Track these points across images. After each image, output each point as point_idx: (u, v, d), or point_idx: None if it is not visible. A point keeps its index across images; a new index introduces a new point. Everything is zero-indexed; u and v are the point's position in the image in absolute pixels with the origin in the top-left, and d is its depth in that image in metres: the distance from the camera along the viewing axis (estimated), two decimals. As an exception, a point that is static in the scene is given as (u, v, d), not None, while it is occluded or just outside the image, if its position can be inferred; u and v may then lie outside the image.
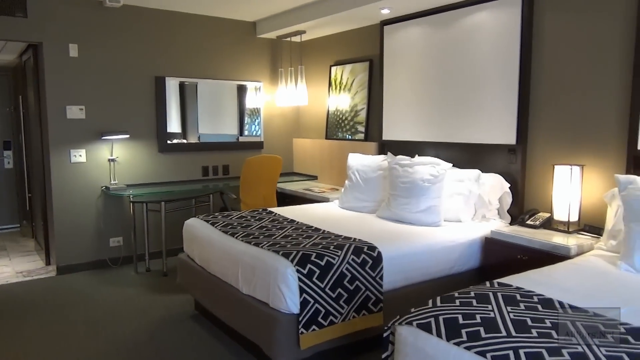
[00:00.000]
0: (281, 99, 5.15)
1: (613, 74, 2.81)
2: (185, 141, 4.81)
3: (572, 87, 3.01)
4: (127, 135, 4.34)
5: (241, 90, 5.14)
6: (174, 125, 4.73)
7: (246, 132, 5.24)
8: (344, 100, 4.84)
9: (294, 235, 2.86)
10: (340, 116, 4.89)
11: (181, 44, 4.67)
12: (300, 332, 2.32)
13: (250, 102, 5.20)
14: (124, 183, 4.40)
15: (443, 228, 3.12)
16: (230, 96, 5.11)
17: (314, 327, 2.36)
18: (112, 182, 4.31)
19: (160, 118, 4.59)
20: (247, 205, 4.24)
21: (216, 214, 3.45)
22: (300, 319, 2.32)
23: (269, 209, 3.65)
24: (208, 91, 4.93)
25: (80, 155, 4.22)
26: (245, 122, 5.22)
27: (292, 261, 2.37)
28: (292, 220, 3.24)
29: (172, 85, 4.66)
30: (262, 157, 4.44)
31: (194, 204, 4.63)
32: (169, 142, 4.66)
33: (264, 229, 3.01)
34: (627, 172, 2.72)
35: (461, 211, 3.24)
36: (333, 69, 4.95)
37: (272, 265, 2.40)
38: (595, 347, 1.45)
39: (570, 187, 2.89)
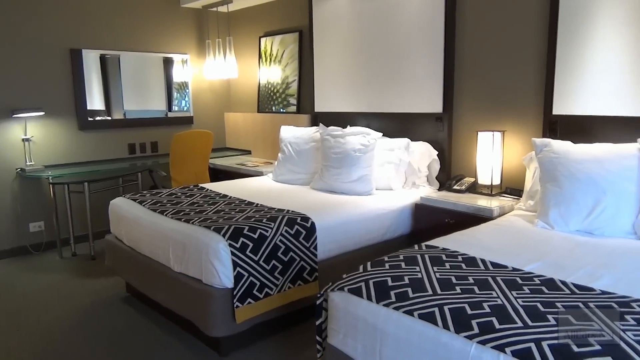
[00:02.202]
0: (210, 72, 4.98)
1: (530, 45, 2.94)
2: (109, 118, 4.55)
3: (494, 57, 3.12)
4: (42, 113, 4.03)
5: (167, 63, 4.91)
6: (96, 101, 4.45)
7: (175, 107, 5.04)
8: (275, 72, 4.76)
9: (226, 210, 2.80)
10: (272, 89, 4.81)
11: (98, 14, 4.37)
12: (235, 306, 2.30)
13: (177, 76, 4.99)
14: (41, 164, 4.11)
15: (375, 196, 3.17)
16: (156, 69, 4.87)
17: (249, 300, 2.35)
18: (28, 163, 4.01)
19: (78, 93, 4.30)
20: (178, 182, 4.11)
21: (144, 192, 3.31)
22: (234, 293, 2.30)
23: (201, 184, 3.55)
24: (132, 64, 4.67)
25: (-11, 136, 3.89)
26: (174, 96, 5.02)
27: (223, 236, 2.32)
28: (225, 195, 3.18)
29: (91, 58, 4.37)
30: (191, 132, 4.30)
31: (121, 184, 4.42)
32: (90, 119, 4.39)
33: (195, 205, 2.93)
34: (544, 135, 2.88)
35: (392, 179, 3.31)
36: (262, 40, 4.84)
37: (203, 241, 2.34)
38: (513, 299, 1.54)
39: (492, 152, 3.03)
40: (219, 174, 4.53)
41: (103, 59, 4.46)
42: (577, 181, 2.34)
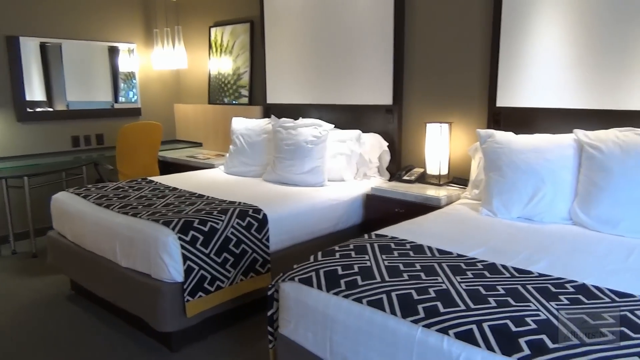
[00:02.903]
0: (158, 62, 4.85)
1: (476, 40, 3.03)
2: (51, 109, 4.34)
3: (441, 51, 3.20)
4: (-24, 103, 3.81)
5: (113, 52, 4.73)
6: (36, 91, 4.24)
7: (122, 99, 4.87)
8: (225, 63, 4.68)
9: (176, 203, 2.74)
10: (223, 80, 4.74)
11: (36, -1, 4.16)
12: (185, 300, 2.26)
13: (123, 66, 4.82)
14: (-24, 158, 3.89)
15: (327, 187, 3.20)
16: (101, 59, 4.69)
17: (200, 293, 2.32)
18: (-39, 157, 3.79)
19: (15, 83, 4.07)
20: (126, 175, 3.99)
21: (89, 186, 3.19)
22: (185, 287, 2.26)
23: (149, 178, 3.46)
24: (75, 53, 4.47)
25: None
26: (121, 87, 4.85)
27: (173, 229, 2.28)
28: (175, 188, 3.11)
29: (30, 47, 4.14)
30: (138, 124, 4.17)
31: (64, 178, 4.25)
32: (29, 110, 4.18)
33: (144, 199, 2.85)
34: (488, 127, 2.98)
35: (344, 170, 3.34)
36: (213, 30, 4.74)
37: (151, 235, 2.29)
38: (457, 283, 1.59)
39: (440, 143, 3.11)
40: (169, 167, 4.43)
41: (43, 47, 4.25)
42: (519, 170, 2.44)
